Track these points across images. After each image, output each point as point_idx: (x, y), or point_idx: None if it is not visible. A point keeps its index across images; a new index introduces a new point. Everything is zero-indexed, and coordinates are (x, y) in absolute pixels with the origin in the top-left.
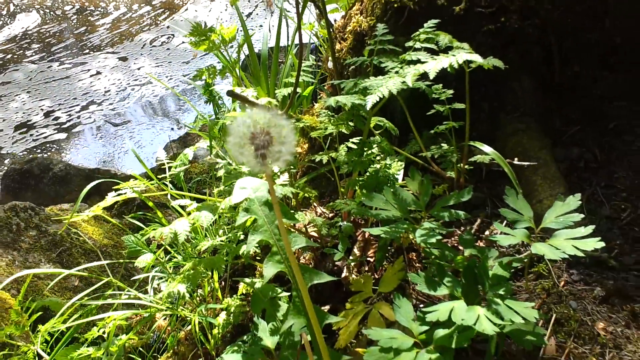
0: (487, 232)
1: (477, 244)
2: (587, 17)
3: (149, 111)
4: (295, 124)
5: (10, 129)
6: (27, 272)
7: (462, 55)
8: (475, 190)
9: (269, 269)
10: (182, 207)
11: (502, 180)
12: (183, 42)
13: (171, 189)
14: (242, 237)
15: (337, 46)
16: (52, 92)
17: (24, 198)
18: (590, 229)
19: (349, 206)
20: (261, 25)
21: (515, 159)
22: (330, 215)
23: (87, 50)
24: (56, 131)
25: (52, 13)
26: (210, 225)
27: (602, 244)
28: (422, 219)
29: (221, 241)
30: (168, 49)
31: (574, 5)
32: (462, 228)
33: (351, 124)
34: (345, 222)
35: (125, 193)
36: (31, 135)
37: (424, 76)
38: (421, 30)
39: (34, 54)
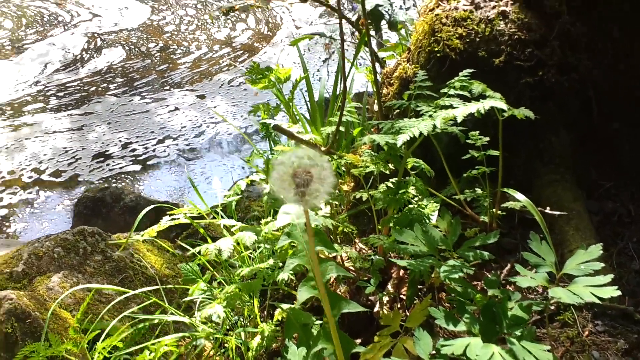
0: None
1: (506, 288)
2: (630, 75)
3: (222, 149)
4: (337, 160)
5: (88, 158)
6: (84, 287)
7: (489, 102)
8: (508, 236)
9: (303, 293)
10: (228, 229)
11: (535, 228)
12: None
13: (223, 218)
14: (281, 265)
15: (384, 90)
16: (131, 124)
17: (95, 225)
18: (609, 277)
19: (382, 241)
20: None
21: (548, 208)
22: (369, 251)
23: (167, 87)
24: (131, 162)
25: (136, 49)
26: (255, 252)
27: (619, 293)
28: (449, 257)
29: (261, 268)
30: (245, 89)
31: (617, 64)
32: (492, 272)
33: (390, 165)
34: (377, 256)
35: (178, 218)
36: (107, 164)
37: (462, 122)
38: (456, 78)
39: (116, 87)
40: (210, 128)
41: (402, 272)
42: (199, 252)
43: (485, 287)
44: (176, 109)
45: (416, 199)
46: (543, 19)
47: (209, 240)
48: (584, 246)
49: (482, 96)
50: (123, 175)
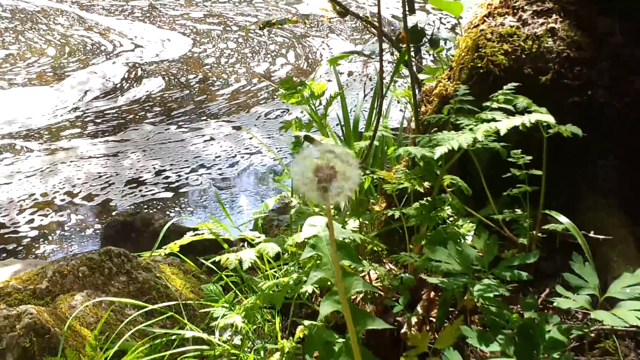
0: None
1: (544, 312)
2: None
3: (255, 179)
4: (369, 176)
5: (122, 184)
6: (100, 299)
7: (536, 115)
8: (548, 260)
9: (326, 307)
10: (252, 241)
11: (577, 254)
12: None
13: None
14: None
15: (423, 109)
16: (165, 152)
17: (124, 248)
18: None
19: (413, 259)
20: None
21: (592, 232)
22: (399, 271)
23: (204, 117)
24: (164, 189)
25: (176, 80)
26: (280, 266)
27: None
28: (484, 278)
29: (284, 281)
30: (281, 122)
31: None
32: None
33: (426, 184)
34: (407, 274)
35: (202, 233)
36: (140, 191)
37: (503, 140)
38: (500, 92)
39: (154, 116)
40: (244, 159)
41: (432, 293)
42: (219, 262)
43: (521, 310)
44: (211, 139)
45: (451, 218)
46: (594, 38)
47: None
48: (631, 269)
49: (526, 111)
50: (155, 202)
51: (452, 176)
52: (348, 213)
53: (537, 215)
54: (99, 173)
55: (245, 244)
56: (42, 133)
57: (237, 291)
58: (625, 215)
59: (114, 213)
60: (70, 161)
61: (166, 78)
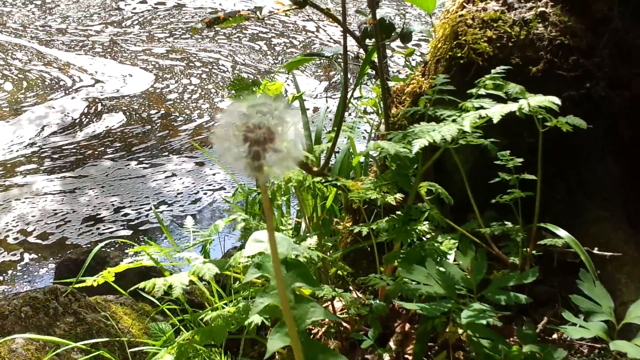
0: (555, 336)
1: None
2: None
3: (218, 216)
4: (331, 185)
5: (78, 221)
6: (45, 341)
7: (536, 98)
8: (544, 282)
9: (274, 342)
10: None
11: (578, 274)
12: None
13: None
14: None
15: (393, 110)
16: (125, 189)
17: (76, 288)
18: None
19: (384, 282)
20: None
21: (596, 248)
22: (367, 298)
23: (166, 153)
24: (122, 227)
25: (137, 115)
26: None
27: None
28: (471, 301)
29: (229, 311)
30: None
31: None
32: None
33: (398, 196)
34: (377, 301)
35: (141, 260)
36: (97, 229)
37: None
38: (487, 76)
39: (114, 152)
40: (207, 195)
41: (407, 325)
42: (143, 290)
43: (519, 343)
44: (173, 174)
45: (429, 233)
46: (590, 23)
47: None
48: None
49: (519, 98)
50: (113, 241)
51: (430, 182)
52: (308, 234)
53: (531, 228)
54: (55, 210)
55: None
56: None
57: (182, 327)
58: (633, 229)
59: (68, 252)
60: (25, 198)
61: (127, 113)
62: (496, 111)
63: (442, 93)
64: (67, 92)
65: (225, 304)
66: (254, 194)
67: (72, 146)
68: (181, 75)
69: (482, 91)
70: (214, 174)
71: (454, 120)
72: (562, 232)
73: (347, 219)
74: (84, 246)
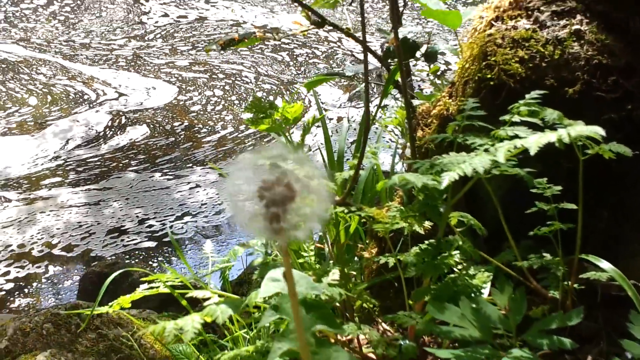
0: None
1: None
2: None
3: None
4: (355, 215)
5: (103, 233)
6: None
7: (577, 128)
8: (587, 318)
9: None
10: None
11: (623, 310)
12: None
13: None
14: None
15: (419, 133)
16: (149, 200)
17: (100, 302)
18: None
19: (414, 320)
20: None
21: None
22: (396, 334)
23: (190, 164)
24: (147, 239)
25: (161, 128)
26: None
27: None
28: (510, 345)
29: (245, 353)
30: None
31: None
32: None
33: (427, 224)
34: (407, 341)
35: (158, 287)
36: (122, 240)
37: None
38: (522, 101)
39: (138, 164)
40: None
41: None
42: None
43: None
44: (197, 186)
45: (460, 266)
46: (628, 42)
47: (192, 313)
48: None
49: (557, 125)
50: (137, 252)
51: (462, 212)
52: (332, 262)
53: (571, 260)
54: (79, 222)
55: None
56: (21, 182)
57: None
58: None
59: (93, 264)
60: (50, 210)
61: (151, 126)
62: (533, 142)
63: (472, 119)
64: (91, 105)
65: (247, 330)
66: None
67: (96, 159)
68: (204, 87)
69: (517, 118)
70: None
71: (486, 150)
72: (605, 264)
73: (371, 245)
74: (109, 258)
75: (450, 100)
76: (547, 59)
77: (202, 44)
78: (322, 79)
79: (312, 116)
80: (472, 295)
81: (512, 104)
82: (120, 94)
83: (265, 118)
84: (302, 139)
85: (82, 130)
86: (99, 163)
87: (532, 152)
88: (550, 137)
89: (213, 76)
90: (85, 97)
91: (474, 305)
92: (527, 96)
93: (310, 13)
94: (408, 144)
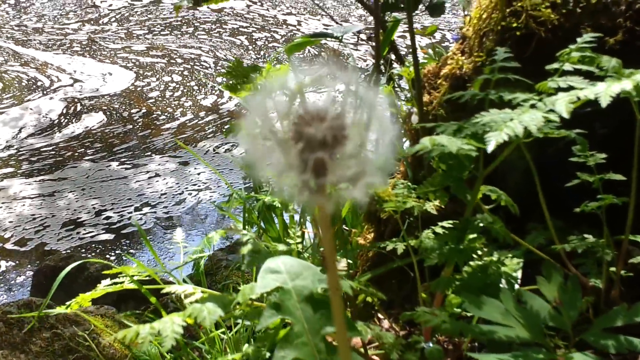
0: None
1: None
2: None
3: (204, 217)
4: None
5: (58, 226)
6: None
7: None
8: None
9: None
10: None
11: None
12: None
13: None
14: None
15: (426, 98)
16: (106, 191)
17: (55, 297)
18: None
19: (438, 318)
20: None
21: None
22: (402, 333)
23: (148, 153)
24: (104, 231)
25: (118, 115)
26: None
27: None
28: (567, 346)
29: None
30: (231, 156)
31: None
32: None
33: (435, 202)
34: (430, 344)
35: (122, 283)
36: (78, 233)
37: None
38: (572, 47)
39: (94, 152)
40: (191, 196)
41: None
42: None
43: None
44: (157, 175)
45: (480, 252)
46: None
47: (163, 313)
48: None
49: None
50: (94, 245)
51: (489, 187)
52: (321, 248)
53: (620, 243)
54: (33, 215)
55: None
56: None
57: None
58: None
59: (47, 258)
60: (2, 203)
61: (107, 113)
62: (602, 90)
63: (506, 71)
64: (45, 92)
65: (224, 331)
66: (251, 200)
67: (50, 148)
68: (162, 73)
69: (568, 66)
70: (198, 174)
71: (532, 106)
72: None
73: (366, 230)
74: (64, 252)
75: (463, 58)
76: (582, 4)
77: (158, 28)
78: (306, 41)
79: (302, 81)
80: (509, 286)
81: (542, 56)
82: (76, 80)
83: (247, 83)
84: (290, 104)
85: (36, 118)
86: (53, 152)
87: (604, 103)
88: (625, 84)
89: (171, 61)
90: (39, 83)
91: (516, 298)
92: (579, 40)
93: None
94: (414, 109)
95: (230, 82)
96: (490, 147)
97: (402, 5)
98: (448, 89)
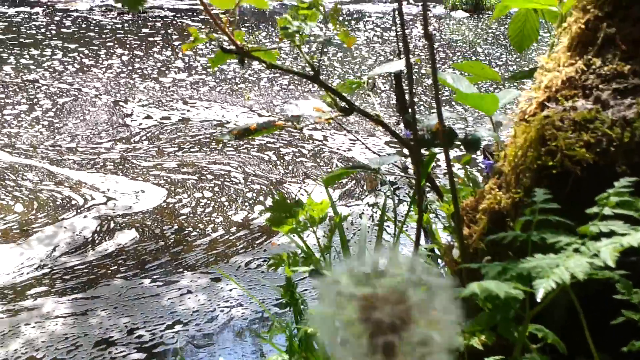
0: None
1: None
2: None
3: (236, 335)
4: None
5: (90, 345)
6: None
7: None
8: None
9: None
10: None
11: None
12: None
13: None
14: None
15: (465, 231)
16: (139, 309)
17: None
18: None
19: None
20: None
21: None
22: None
23: (180, 269)
24: (136, 350)
25: (150, 232)
26: None
27: None
28: None
29: None
30: (262, 271)
31: None
32: None
33: (482, 338)
34: None
35: None
36: (110, 352)
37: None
38: (610, 191)
39: (127, 270)
40: (223, 313)
41: None
42: None
43: None
44: (189, 292)
45: None
46: None
47: None
48: None
49: None
50: None
51: (538, 325)
52: None
53: None
54: (65, 334)
55: None
56: (5, 293)
57: None
58: None
59: None
60: (35, 322)
61: (140, 230)
62: None
63: (546, 212)
64: (78, 211)
65: None
66: (294, 328)
67: (83, 266)
68: (193, 189)
69: (607, 210)
70: (230, 290)
71: (576, 250)
72: None
73: None
74: None
75: (501, 193)
76: (615, 143)
77: (188, 145)
78: (344, 172)
79: (340, 214)
80: None
81: (579, 194)
82: (109, 198)
83: (289, 218)
84: (330, 239)
85: (69, 236)
86: (86, 270)
87: None
88: None
89: (202, 177)
90: (73, 202)
91: None
92: (616, 184)
93: (336, 98)
94: (454, 242)
95: (274, 216)
96: (539, 295)
97: (438, 142)
98: (487, 223)
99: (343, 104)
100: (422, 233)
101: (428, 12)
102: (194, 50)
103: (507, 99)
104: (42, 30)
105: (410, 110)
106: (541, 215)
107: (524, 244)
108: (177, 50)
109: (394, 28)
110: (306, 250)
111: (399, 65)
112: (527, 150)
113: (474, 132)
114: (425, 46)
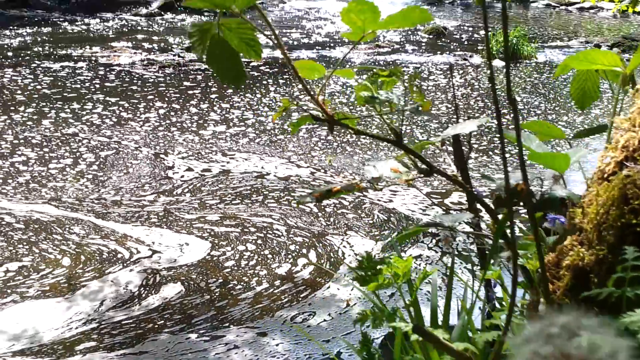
0: None
1: None
2: None
3: None
4: None
5: None
6: None
7: None
8: None
9: None
10: None
11: None
12: (325, 320)
13: None
14: None
15: (549, 287)
16: None
17: None
18: None
19: None
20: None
21: None
22: None
23: (226, 324)
24: None
25: (195, 285)
26: None
27: None
28: None
29: None
30: (309, 325)
31: None
32: None
33: None
34: None
35: None
36: None
37: None
38: None
39: (173, 324)
40: None
41: None
42: None
43: None
44: (235, 347)
45: None
46: None
47: None
48: None
49: None
50: None
51: None
52: None
53: None
54: None
55: None
56: (55, 348)
57: None
58: None
59: None
60: None
61: (185, 284)
62: None
63: (638, 270)
64: (124, 264)
65: None
66: None
67: (130, 321)
68: (237, 242)
69: None
70: (277, 344)
71: None
72: None
73: None
74: None
75: (583, 250)
76: None
77: (229, 197)
78: (418, 230)
79: (423, 269)
80: None
81: None
82: (154, 252)
83: (376, 275)
84: (414, 293)
85: (115, 290)
86: (133, 325)
87: None
88: None
89: (244, 230)
90: (119, 255)
91: None
92: None
93: (416, 159)
94: (541, 299)
95: (361, 274)
96: None
97: (517, 200)
98: (571, 279)
99: (421, 164)
100: (491, 288)
101: (465, 62)
102: (230, 103)
103: (577, 157)
104: (87, 84)
105: (503, 169)
106: (634, 272)
107: (613, 299)
108: (214, 103)
109: (439, 79)
110: (380, 306)
111: (472, 126)
112: (609, 208)
113: (550, 192)
114: (464, 95)
